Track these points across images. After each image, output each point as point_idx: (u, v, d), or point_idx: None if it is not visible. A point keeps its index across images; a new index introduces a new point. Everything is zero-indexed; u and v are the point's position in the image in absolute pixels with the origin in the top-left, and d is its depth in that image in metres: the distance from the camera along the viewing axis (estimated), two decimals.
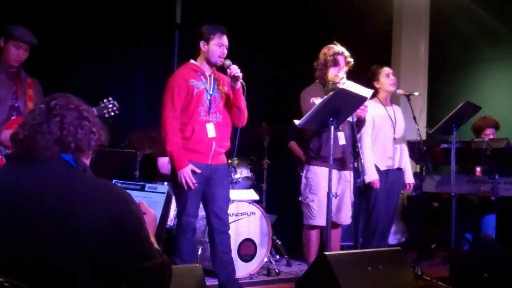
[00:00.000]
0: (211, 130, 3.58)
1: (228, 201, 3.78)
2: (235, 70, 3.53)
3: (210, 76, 3.64)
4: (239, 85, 3.57)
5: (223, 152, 3.71)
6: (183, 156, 3.51)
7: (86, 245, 1.43)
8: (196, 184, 3.50)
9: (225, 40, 3.59)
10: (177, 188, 3.58)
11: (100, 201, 1.47)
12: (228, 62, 3.57)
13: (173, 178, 3.62)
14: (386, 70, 4.50)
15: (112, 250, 1.46)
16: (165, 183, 4.88)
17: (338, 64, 3.98)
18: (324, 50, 4.06)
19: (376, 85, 4.48)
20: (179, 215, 3.61)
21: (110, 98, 3.70)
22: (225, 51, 3.59)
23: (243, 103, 3.65)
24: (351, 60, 4.04)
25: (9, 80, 3.57)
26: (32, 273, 1.43)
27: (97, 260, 1.44)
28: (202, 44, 3.60)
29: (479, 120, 5.04)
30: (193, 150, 3.55)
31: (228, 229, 3.71)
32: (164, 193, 1.88)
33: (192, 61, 3.67)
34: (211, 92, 3.60)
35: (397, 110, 4.57)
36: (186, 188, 3.49)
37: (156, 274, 1.55)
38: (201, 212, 3.78)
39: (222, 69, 3.69)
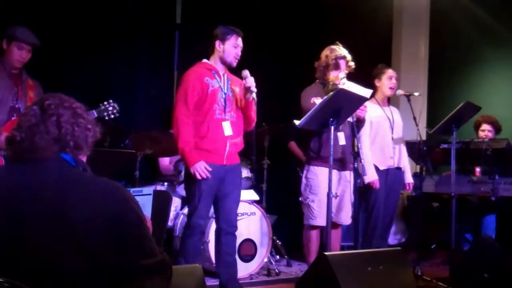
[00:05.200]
0: (227, 128, 3.56)
1: (238, 201, 3.76)
2: (250, 83, 3.54)
3: (223, 75, 3.64)
4: (251, 98, 3.59)
5: (237, 152, 3.70)
6: (195, 152, 3.47)
7: (86, 243, 1.43)
8: (209, 176, 3.46)
9: (240, 41, 3.63)
10: (190, 188, 3.56)
11: (100, 199, 1.48)
12: (246, 72, 3.56)
13: (186, 177, 3.59)
14: (390, 72, 4.50)
15: (112, 247, 1.46)
16: (165, 183, 4.88)
17: (339, 68, 3.96)
18: (327, 51, 4.04)
19: (377, 83, 4.49)
20: (189, 215, 3.59)
21: (111, 101, 3.71)
22: (240, 53, 3.62)
23: (253, 114, 3.70)
24: (352, 64, 4.02)
25: (11, 81, 3.57)
26: (32, 273, 1.43)
27: (97, 258, 1.44)
28: (217, 43, 3.60)
29: (479, 116, 5.03)
30: (207, 151, 3.51)
31: (235, 230, 3.71)
32: (150, 194, 1.89)
33: (205, 60, 3.67)
34: (225, 91, 3.60)
35: (394, 111, 4.58)
36: (203, 178, 3.44)
37: (157, 272, 1.55)
38: None
39: (233, 71, 3.73)
